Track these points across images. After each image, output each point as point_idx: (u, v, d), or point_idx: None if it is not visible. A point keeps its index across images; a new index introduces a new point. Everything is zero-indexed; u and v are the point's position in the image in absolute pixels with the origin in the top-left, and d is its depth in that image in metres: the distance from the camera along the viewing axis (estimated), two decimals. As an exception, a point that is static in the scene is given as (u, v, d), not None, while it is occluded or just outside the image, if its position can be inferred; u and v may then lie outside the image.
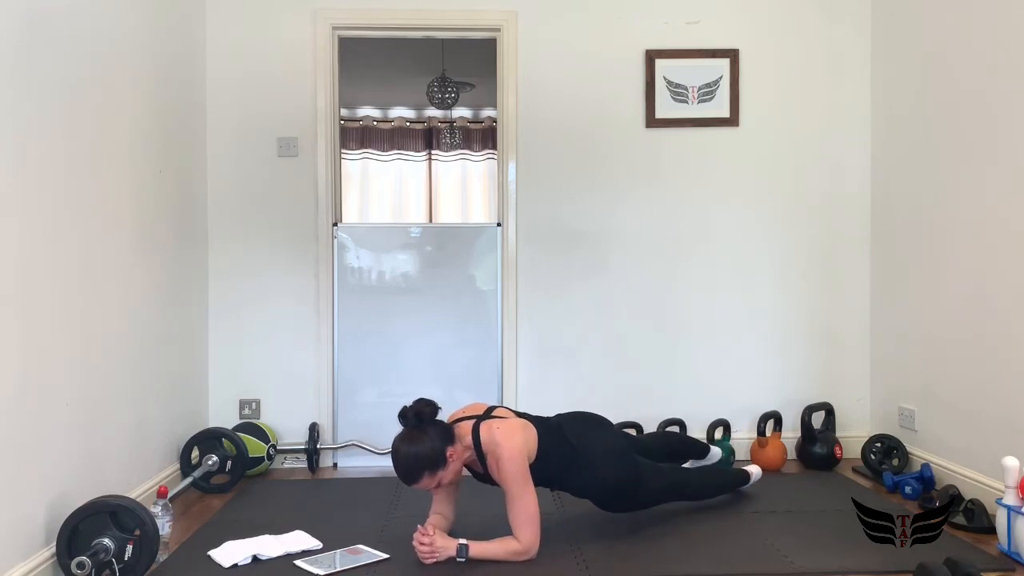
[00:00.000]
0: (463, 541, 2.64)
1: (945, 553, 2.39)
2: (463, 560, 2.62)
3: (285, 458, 4.03)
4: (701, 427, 3.98)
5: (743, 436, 4.07)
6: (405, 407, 2.69)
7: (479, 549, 2.64)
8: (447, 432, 2.68)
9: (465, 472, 2.81)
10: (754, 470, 3.48)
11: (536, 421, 2.87)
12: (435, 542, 2.63)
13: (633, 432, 3.89)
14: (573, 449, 2.84)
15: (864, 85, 4.16)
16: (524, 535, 2.64)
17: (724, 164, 4.15)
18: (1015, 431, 3.03)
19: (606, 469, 2.90)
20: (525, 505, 2.64)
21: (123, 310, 3.09)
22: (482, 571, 2.59)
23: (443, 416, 2.77)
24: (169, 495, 2.95)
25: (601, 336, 4.13)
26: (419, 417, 2.65)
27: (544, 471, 2.77)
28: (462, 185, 7.37)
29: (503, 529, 2.70)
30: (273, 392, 4.06)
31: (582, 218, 4.13)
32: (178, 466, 3.61)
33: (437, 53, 5.89)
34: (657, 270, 4.14)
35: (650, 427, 3.94)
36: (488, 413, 2.81)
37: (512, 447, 2.64)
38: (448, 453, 2.64)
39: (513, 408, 3.00)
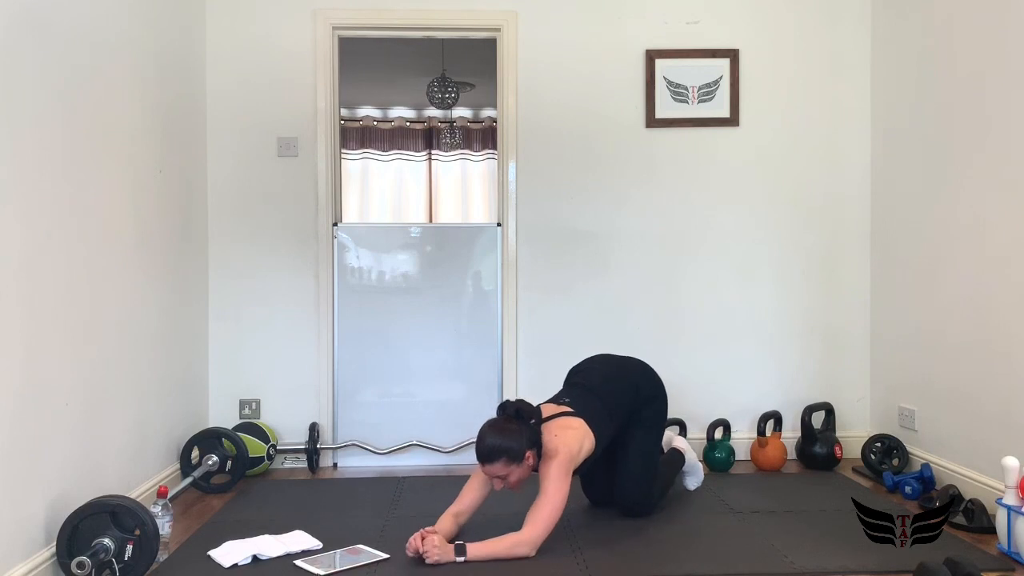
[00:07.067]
0: (460, 544, 2.63)
1: (945, 553, 2.39)
2: (463, 560, 2.61)
3: (285, 458, 4.03)
4: (701, 427, 3.98)
5: (743, 436, 4.07)
6: (508, 400, 2.85)
7: (477, 550, 2.63)
8: (535, 436, 2.77)
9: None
10: (681, 443, 3.52)
11: (596, 424, 2.93)
12: (433, 546, 2.62)
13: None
14: (612, 458, 3.08)
15: (864, 85, 4.16)
16: (534, 529, 2.67)
17: (724, 164, 4.15)
18: (1015, 431, 3.03)
19: (635, 486, 3.10)
20: (551, 506, 2.71)
21: (123, 310, 3.09)
22: (482, 571, 2.59)
23: None
24: (169, 495, 2.94)
25: (601, 336, 4.12)
26: (519, 413, 2.77)
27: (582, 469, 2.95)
28: (462, 185, 7.36)
29: (504, 529, 2.70)
30: (273, 392, 4.06)
31: (582, 218, 4.13)
32: (178, 466, 3.61)
33: (437, 53, 5.89)
34: (657, 270, 4.15)
35: (650, 427, 3.94)
36: (557, 415, 2.91)
37: (567, 455, 2.76)
38: (527, 455, 2.74)
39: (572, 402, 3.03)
